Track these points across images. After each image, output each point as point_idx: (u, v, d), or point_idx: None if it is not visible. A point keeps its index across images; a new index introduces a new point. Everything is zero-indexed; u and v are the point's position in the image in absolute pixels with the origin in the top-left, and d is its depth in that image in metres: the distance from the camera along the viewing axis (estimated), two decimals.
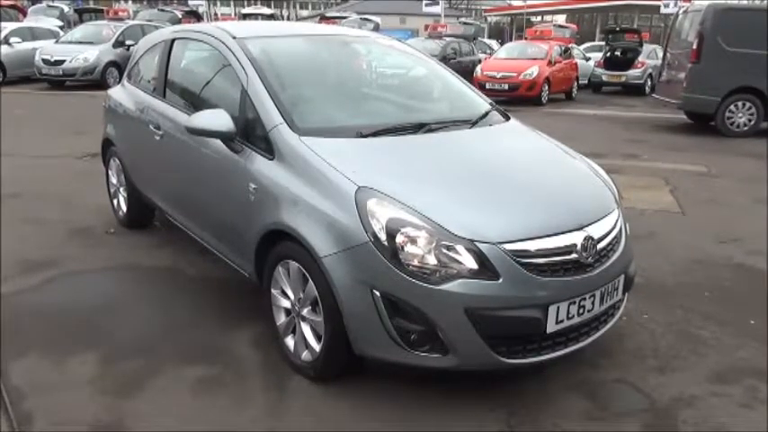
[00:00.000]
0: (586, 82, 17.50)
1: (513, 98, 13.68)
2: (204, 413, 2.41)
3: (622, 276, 2.62)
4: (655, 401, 2.58)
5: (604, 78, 17.29)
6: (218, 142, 2.95)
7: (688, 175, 6.82)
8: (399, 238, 2.26)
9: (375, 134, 2.79)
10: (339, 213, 2.37)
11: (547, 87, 13.93)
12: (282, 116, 2.75)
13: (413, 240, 2.26)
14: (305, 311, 2.57)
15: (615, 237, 2.64)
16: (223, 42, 3.21)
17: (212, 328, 3.05)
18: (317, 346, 2.53)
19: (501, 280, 2.24)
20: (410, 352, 2.30)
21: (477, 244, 2.25)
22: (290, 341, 2.69)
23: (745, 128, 9.60)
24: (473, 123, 3.19)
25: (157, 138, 3.62)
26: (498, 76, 13.74)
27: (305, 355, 2.61)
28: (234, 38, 3.20)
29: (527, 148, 3.15)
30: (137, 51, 4.41)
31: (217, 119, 2.83)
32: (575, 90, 15.79)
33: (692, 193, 5.97)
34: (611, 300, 2.58)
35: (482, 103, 3.50)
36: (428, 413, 2.44)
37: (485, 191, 2.54)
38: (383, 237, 2.26)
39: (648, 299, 3.53)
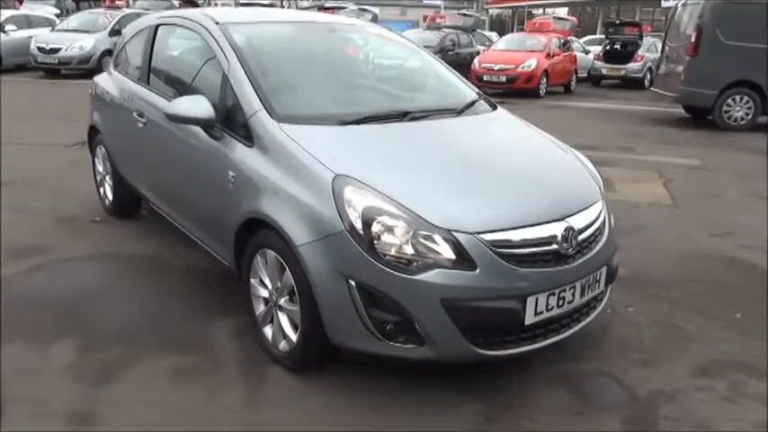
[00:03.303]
0: (586, 75, 17.41)
1: (511, 90, 13.61)
2: (179, 402, 2.38)
3: (605, 268, 2.59)
4: (636, 395, 2.55)
5: (604, 72, 17.20)
6: (198, 129, 2.91)
7: (683, 168, 6.77)
8: (376, 227, 2.22)
9: (357, 122, 2.75)
10: (316, 202, 2.33)
11: (545, 80, 13.85)
12: (262, 103, 2.70)
13: (389, 229, 2.22)
14: (282, 301, 2.53)
15: (598, 228, 2.60)
16: (206, 28, 3.17)
17: (193, 318, 3.02)
18: (294, 336, 2.50)
19: (478, 270, 2.20)
20: (386, 343, 2.27)
21: (454, 234, 2.21)
22: (268, 331, 2.66)
23: (743, 122, 9.53)
24: (459, 112, 3.14)
25: (141, 125, 3.58)
26: (496, 68, 13.66)
27: (282, 345, 2.57)
28: (217, 23, 3.15)
29: (512, 137, 3.11)
30: (123, 38, 4.36)
31: (197, 105, 2.79)
32: (573, 83, 15.70)
33: (686, 187, 5.93)
34: (593, 292, 2.55)
35: (469, 92, 3.45)
36: (405, 405, 2.41)
37: (465, 180, 2.50)
38: (359, 225, 2.23)
39: (636, 292, 3.49)
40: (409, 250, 2.20)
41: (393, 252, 2.21)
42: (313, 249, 2.30)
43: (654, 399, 2.53)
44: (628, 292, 3.47)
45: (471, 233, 2.22)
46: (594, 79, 17.52)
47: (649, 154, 7.52)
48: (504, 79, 13.53)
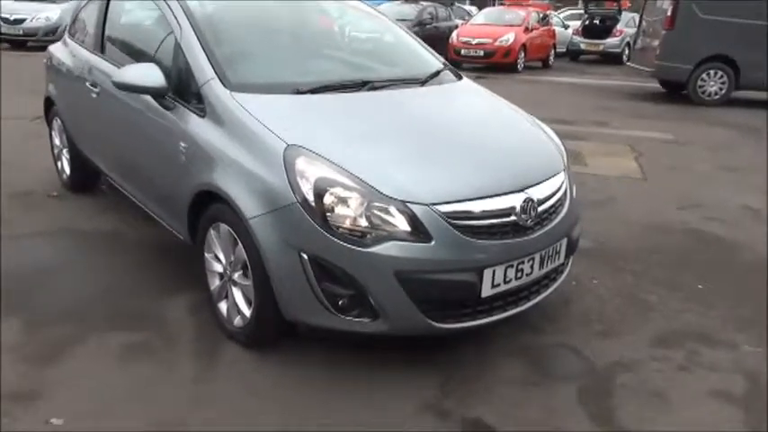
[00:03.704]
0: (564, 50, 17.34)
1: (489, 65, 13.51)
2: (127, 380, 2.32)
3: (565, 240, 2.56)
4: (594, 366, 2.55)
5: (582, 47, 17.16)
6: (150, 99, 2.80)
7: (655, 142, 6.78)
8: (328, 199, 2.16)
9: (313, 91, 2.66)
10: (267, 173, 2.26)
11: (523, 54, 13.77)
12: (215, 70, 2.60)
13: (343, 201, 2.16)
14: (236, 276, 2.47)
15: (559, 200, 2.56)
16: None
17: (148, 294, 2.95)
18: (247, 312, 2.45)
19: (434, 242, 2.15)
20: (339, 317, 2.22)
21: (409, 205, 2.15)
22: (223, 306, 2.60)
23: (716, 97, 9.58)
24: (422, 82, 3.07)
25: (94, 96, 3.45)
26: (474, 43, 13.52)
27: (237, 320, 2.52)
28: None
29: (475, 108, 3.05)
30: (78, 5, 4.18)
31: (146, 73, 2.68)
32: (551, 58, 15.64)
33: (657, 161, 5.94)
34: (553, 264, 2.52)
35: (434, 62, 3.37)
36: (360, 380, 2.37)
37: (423, 151, 2.43)
38: (311, 197, 2.16)
39: (600, 264, 3.49)
40: (363, 222, 2.15)
41: (346, 224, 2.15)
42: (264, 222, 2.24)
43: (611, 369, 2.53)
44: (593, 264, 3.46)
45: (427, 205, 2.16)
46: (573, 54, 17.47)
47: (622, 128, 7.52)
48: (481, 53, 13.42)
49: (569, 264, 2.78)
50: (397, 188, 2.18)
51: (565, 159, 2.81)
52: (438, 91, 3.07)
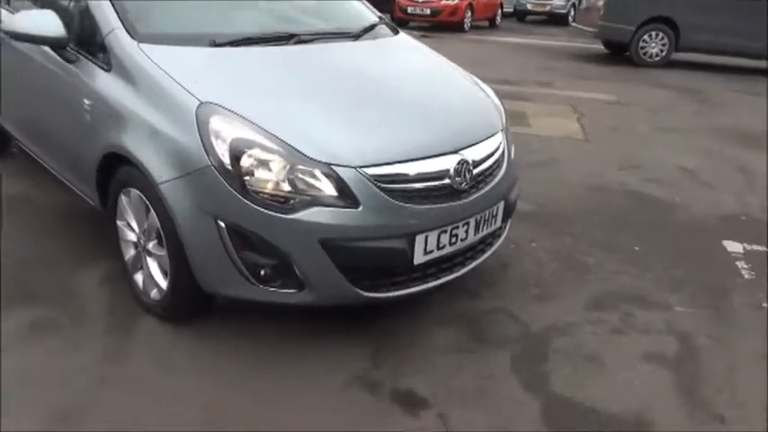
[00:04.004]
0: (512, 10, 17.23)
1: (435, 24, 13.27)
2: (29, 359, 2.12)
3: (502, 203, 2.47)
4: (530, 331, 2.50)
5: (529, 7, 17.10)
6: (51, 51, 2.51)
7: (598, 103, 6.79)
8: (246, 162, 1.98)
9: (233, 44, 2.43)
10: (179, 133, 2.05)
11: (470, 14, 13.58)
12: (120, 19, 2.34)
13: (262, 164, 1.98)
14: (150, 245, 2.27)
15: (496, 161, 2.46)
16: None
17: (60, 265, 2.71)
18: (164, 284, 2.27)
19: (361, 208, 2.02)
20: (261, 288, 2.07)
21: (335, 168, 2.00)
22: (138, 278, 2.40)
23: (657, 58, 9.69)
24: (355, 36, 2.87)
25: None
26: (420, 1, 13.21)
27: (154, 293, 2.33)
28: None
29: (410, 64, 2.88)
30: None
31: (42, 21, 2.39)
32: (498, 18, 15.51)
33: (599, 121, 5.94)
34: (489, 228, 2.43)
35: (369, 15, 3.17)
36: (286, 353, 2.25)
37: (352, 109, 2.27)
38: (227, 160, 1.97)
39: (539, 226, 3.44)
40: (285, 187, 1.98)
41: (267, 189, 1.98)
42: (176, 187, 2.04)
43: (546, 333, 2.49)
44: (533, 227, 3.41)
45: (354, 167, 2.01)
46: (520, 15, 17.40)
47: (566, 89, 7.50)
48: (428, 12, 13.14)
49: (507, 227, 2.70)
50: (322, 150, 2.02)
51: (503, 119, 2.70)
52: (372, 46, 2.88)
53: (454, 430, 1.96)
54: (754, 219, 3.75)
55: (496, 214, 2.45)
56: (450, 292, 2.64)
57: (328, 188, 2.00)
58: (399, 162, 2.09)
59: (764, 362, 2.37)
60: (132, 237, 2.38)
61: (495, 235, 2.56)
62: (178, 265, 2.16)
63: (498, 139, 2.52)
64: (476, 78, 2.95)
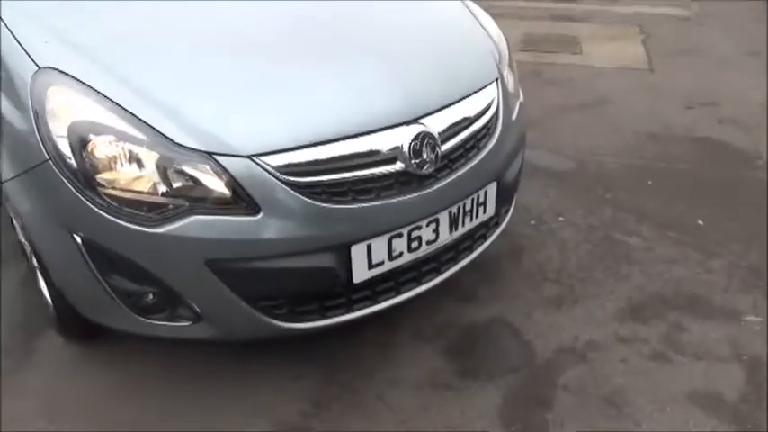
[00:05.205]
0: None
1: None
2: None
3: (493, 185, 1.77)
4: (534, 354, 1.87)
5: None
6: None
7: (668, 20, 5.64)
8: (94, 154, 1.39)
9: None
10: (16, 113, 1.49)
11: None
12: None
13: (115, 157, 1.39)
14: (34, 259, 1.77)
15: (484, 127, 1.75)
16: None
17: None
18: (50, 300, 1.78)
19: (261, 215, 1.40)
20: (144, 320, 1.53)
21: (219, 160, 1.38)
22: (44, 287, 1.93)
23: None
24: None
25: None
26: None
27: (51, 308, 1.85)
28: None
29: None
30: None
31: None
32: None
33: (669, 44, 4.88)
34: (473, 221, 1.76)
35: None
36: (200, 393, 1.73)
37: (255, 68, 1.56)
38: (67, 151, 1.40)
39: (572, 192, 2.71)
40: (147, 188, 1.39)
41: (123, 193, 1.40)
42: (20, 189, 1.52)
43: (557, 359, 1.85)
44: (563, 194, 2.69)
45: (245, 156, 1.39)
46: None
47: (632, 3, 6.32)
48: None
49: (508, 215, 2.00)
50: (201, 133, 1.39)
51: (503, 61, 1.95)
52: None
53: None
54: None
55: (485, 202, 1.76)
56: (434, 294, 1.99)
57: (212, 188, 1.39)
58: (318, 144, 1.44)
59: None
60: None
61: (487, 225, 1.88)
62: (50, 285, 1.66)
63: (489, 96, 1.79)
64: (470, 2, 2.17)
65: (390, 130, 1.52)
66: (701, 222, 2.50)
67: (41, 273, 1.69)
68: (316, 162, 1.44)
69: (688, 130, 3.34)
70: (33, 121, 1.42)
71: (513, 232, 2.37)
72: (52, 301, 1.73)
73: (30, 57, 1.48)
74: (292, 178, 1.42)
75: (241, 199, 1.40)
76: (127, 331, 1.59)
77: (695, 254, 2.31)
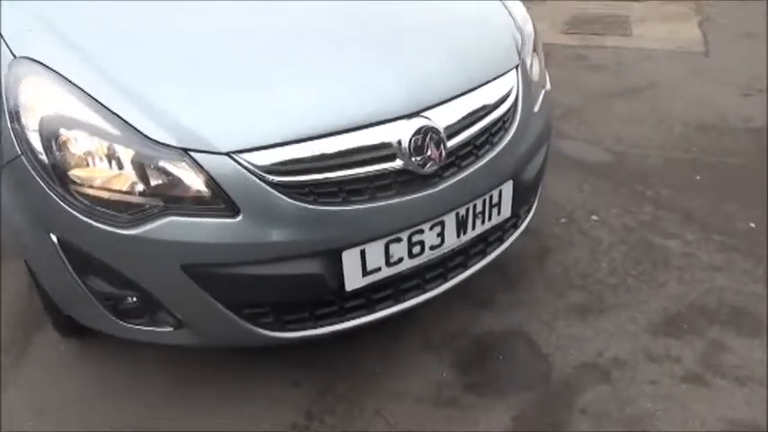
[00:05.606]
0: None
1: None
2: None
3: (509, 184, 1.60)
4: (551, 371, 1.70)
5: None
6: None
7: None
8: (66, 149, 1.30)
9: None
10: None
11: None
12: None
13: (88, 154, 1.30)
14: None
15: (499, 120, 1.58)
16: None
17: None
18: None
19: (241, 217, 1.28)
20: (124, 324, 1.45)
21: (195, 156, 1.27)
22: None
23: None
24: None
25: None
26: None
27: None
28: None
29: None
30: None
31: None
32: None
33: (729, 26, 4.49)
34: (486, 224, 1.59)
35: None
36: (205, 389, 1.65)
37: (243, 56, 1.42)
38: (38, 146, 1.31)
39: (610, 188, 2.50)
40: (120, 187, 1.29)
41: (94, 191, 1.30)
42: (2, 183, 1.44)
43: (577, 377, 1.67)
44: (599, 190, 2.48)
45: (223, 153, 1.27)
46: None
47: None
48: None
49: (529, 215, 1.82)
50: (177, 128, 1.27)
51: (528, 44, 1.76)
52: None
53: None
54: None
55: (499, 202, 1.59)
56: (447, 298, 1.84)
57: (188, 187, 1.28)
58: (304, 140, 1.30)
59: None
60: None
61: (503, 228, 1.71)
62: (37, 284, 1.60)
63: (506, 85, 1.61)
64: None
65: (388, 124, 1.37)
66: (752, 225, 2.25)
67: (28, 270, 1.63)
68: (301, 160, 1.31)
69: (744, 120, 3.04)
70: (7, 113, 1.34)
71: (540, 231, 2.19)
72: (40, 297, 1.67)
73: (7, 46, 1.40)
74: (275, 177, 1.29)
75: (219, 199, 1.28)
76: (111, 334, 1.51)
77: (743, 261, 2.07)
